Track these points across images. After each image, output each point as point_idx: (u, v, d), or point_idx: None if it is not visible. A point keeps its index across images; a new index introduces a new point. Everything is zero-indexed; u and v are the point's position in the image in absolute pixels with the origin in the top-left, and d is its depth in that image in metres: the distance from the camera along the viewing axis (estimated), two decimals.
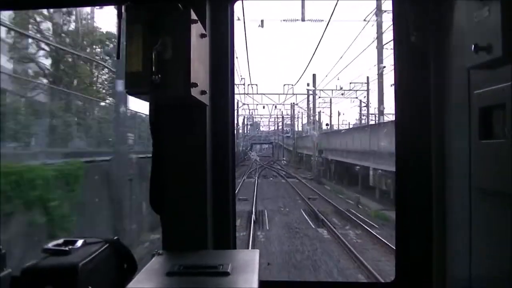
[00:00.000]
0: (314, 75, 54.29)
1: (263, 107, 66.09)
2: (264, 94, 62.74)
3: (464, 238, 2.62)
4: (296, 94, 61.28)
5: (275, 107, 68.48)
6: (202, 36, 2.84)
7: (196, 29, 2.67)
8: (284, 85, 63.10)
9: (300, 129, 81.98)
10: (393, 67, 3.29)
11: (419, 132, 3.10)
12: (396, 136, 3.22)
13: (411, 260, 3.13)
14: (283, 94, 61.32)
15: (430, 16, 3.00)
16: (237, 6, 3.37)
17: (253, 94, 60.56)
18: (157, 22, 2.52)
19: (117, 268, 2.78)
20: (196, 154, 3.10)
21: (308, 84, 58.18)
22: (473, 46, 2.29)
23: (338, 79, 70.57)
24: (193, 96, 2.63)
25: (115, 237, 2.81)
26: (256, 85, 64.63)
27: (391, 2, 3.23)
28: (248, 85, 63.61)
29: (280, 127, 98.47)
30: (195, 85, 2.60)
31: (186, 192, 3.07)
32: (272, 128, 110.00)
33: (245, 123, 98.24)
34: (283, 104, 66.02)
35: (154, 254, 2.79)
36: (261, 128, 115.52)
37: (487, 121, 2.36)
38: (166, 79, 2.52)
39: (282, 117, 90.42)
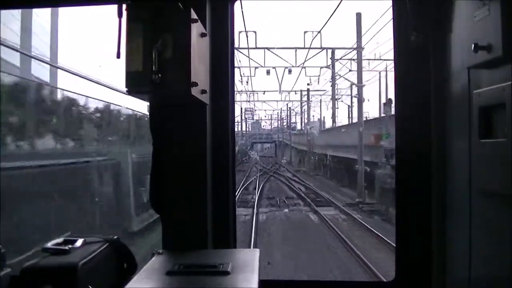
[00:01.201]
0: (358, 15, 32.60)
1: (268, 73, 39.73)
2: (268, 48, 35.59)
3: (463, 238, 2.62)
4: (326, 48, 34.75)
5: (289, 71, 38.65)
6: (202, 35, 2.84)
7: (196, 29, 2.66)
8: (304, 32, 34.34)
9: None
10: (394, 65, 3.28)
11: (419, 131, 3.10)
12: (396, 135, 3.22)
13: (411, 260, 3.13)
14: (302, 48, 34.53)
15: (430, 15, 3.00)
16: (236, 6, 3.37)
17: (249, 48, 34.50)
18: (157, 21, 2.52)
19: (117, 267, 2.77)
20: (196, 153, 3.10)
21: (333, 52, 36.33)
22: (473, 45, 2.29)
23: (377, 43, 51.43)
24: (193, 95, 2.63)
25: (115, 237, 2.81)
26: (255, 33, 34.29)
27: (391, 1, 3.23)
28: (240, 33, 32.05)
29: (286, 122, 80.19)
30: (195, 84, 2.60)
31: (186, 191, 3.07)
32: (275, 124, 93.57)
33: (243, 116, 79.42)
34: (304, 67, 38.09)
35: (154, 253, 2.79)
36: (262, 125, 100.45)
37: (487, 121, 2.36)
38: (167, 78, 2.51)
39: (289, 110, 71.16)
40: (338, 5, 29.08)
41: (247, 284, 2.31)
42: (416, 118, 3.12)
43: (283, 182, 38.65)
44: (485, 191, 2.41)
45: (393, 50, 3.23)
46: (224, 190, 3.26)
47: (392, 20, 3.20)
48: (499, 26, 2.12)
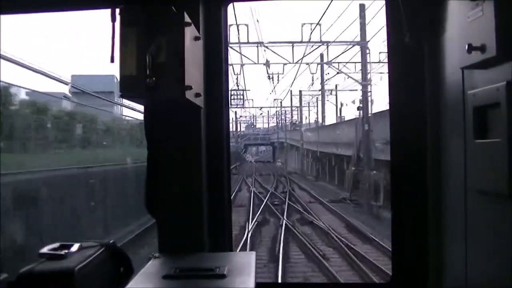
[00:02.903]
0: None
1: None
2: None
3: (459, 238, 2.62)
4: None
5: None
6: (196, 38, 2.84)
7: (190, 32, 2.66)
8: None
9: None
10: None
11: (414, 132, 3.11)
12: (391, 136, 3.23)
13: (407, 261, 3.13)
14: None
15: (423, 16, 3.00)
16: (230, 9, 3.37)
17: None
18: (151, 25, 2.52)
19: (113, 272, 2.76)
20: (191, 157, 3.10)
21: None
22: (466, 46, 2.29)
23: None
24: (188, 98, 2.63)
25: (111, 241, 2.80)
26: None
27: (384, 2, 3.23)
28: None
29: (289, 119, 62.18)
30: (190, 87, 2.60)
31: (182, 195, 3.07)
32: (273, 123, 76.79)
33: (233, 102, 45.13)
34: None
35: (150, 257, 2.79)
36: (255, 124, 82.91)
37: (482, 121, 2.37)
38: (161, 82, 2.51)
39: (300, 94, 53.62)
40: None
41: (243, 287, 2.31)
42: (410, 119, 3.13)
43: None
44: (481, 191, 2.41)
45: (387, 51, 3.24)
46: (220, 192, 3.26)
47: (385, 20, 3.21)
48: (493, 26, 2.13)
